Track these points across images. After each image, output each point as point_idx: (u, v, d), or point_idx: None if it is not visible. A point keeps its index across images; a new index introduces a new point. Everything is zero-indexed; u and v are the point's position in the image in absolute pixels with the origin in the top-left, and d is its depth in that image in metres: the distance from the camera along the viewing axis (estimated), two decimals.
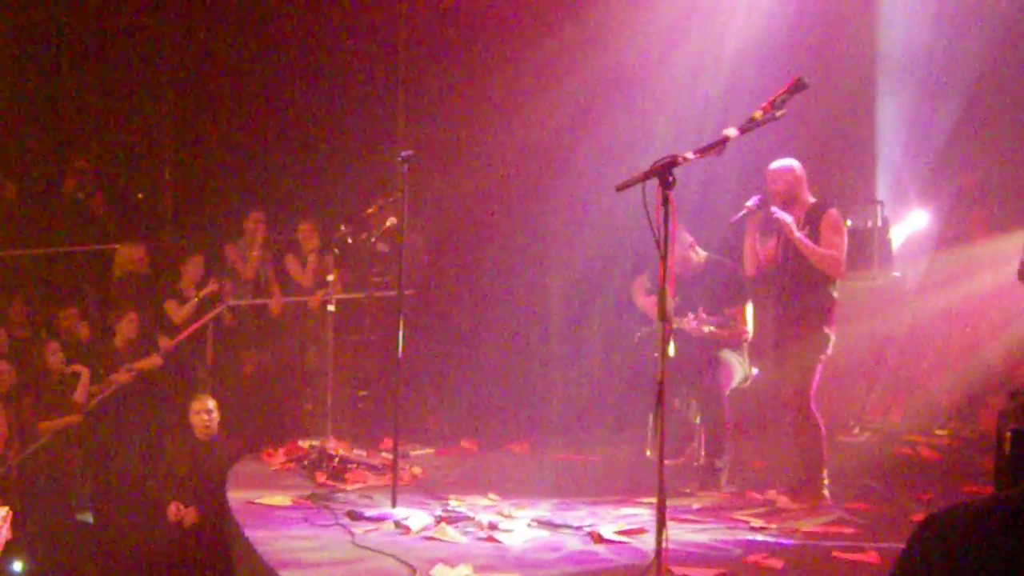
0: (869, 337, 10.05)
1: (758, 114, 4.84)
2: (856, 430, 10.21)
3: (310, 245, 10.92)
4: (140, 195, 13.52)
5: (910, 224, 11.79)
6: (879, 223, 11.15)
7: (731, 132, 4.80)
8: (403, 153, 7.22)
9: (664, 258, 4.52)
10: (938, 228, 11.40)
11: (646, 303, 8.47)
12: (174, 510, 8.78)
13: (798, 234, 7.31)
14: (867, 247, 10.86)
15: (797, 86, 4.90)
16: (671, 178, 4.56)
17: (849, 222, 10.93)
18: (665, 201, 4.55)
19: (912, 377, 10.56)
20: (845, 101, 11.39)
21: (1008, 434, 1.65)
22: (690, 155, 4.67)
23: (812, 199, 7.53)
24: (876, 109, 11.69)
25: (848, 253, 7.78)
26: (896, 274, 11.13)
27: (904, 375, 10.61)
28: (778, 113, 4.83)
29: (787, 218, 7.32)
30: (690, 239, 8.31)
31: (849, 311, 8.24)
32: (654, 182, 4.62)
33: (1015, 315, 9.64)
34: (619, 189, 4.71)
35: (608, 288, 10.38)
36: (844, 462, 8.28)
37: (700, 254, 8.37)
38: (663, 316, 4.64)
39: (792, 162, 7.52)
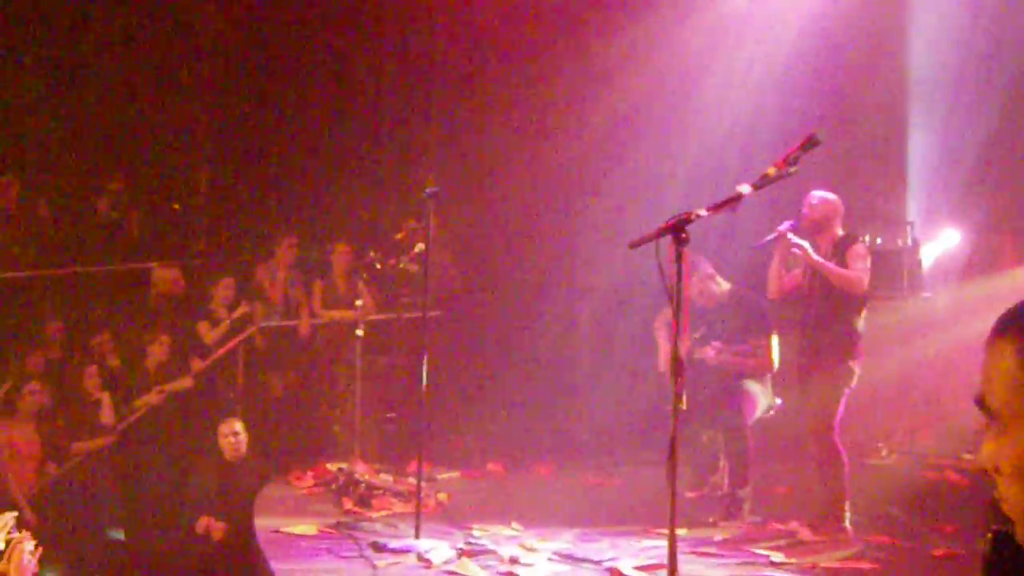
0: (899, 359, 10.02)
1: (771, 171, 4.87)
2: (884, 452, 10.20)
3: (343, 267, 10.97)
4: (176, 206, 13.61)
5: (941, 243, 11.74)
6: (909, 243, 11.12)
7: (744, 189, 4.84)
8: (428, 190, 7.28)
9: (676, 315, 4.57)
10: (968, 251, 11.35)
11: (667, 346, 8.38)
12: (203, 524, 8.96)
13: (816, 257, 7.33)
14: (897, 268, 10.84)
15: (811, 142, 4.93)
16: (684, 235, 4.59)
17: (879, 240, 10.96)
18: (678, 257, 4.58)
19: (941, 400, 10.52)
20: (875, 122, 11.41)
21: (989, 534, 1.66)
22: (703, 212, 4.71)
23: (841, 232, 7.56)
24: (906, 130, 11.66)
25: (878, 274, 7.81)
26: (926, 295, 11.11)
27: (933, 398, 10.58)
28: (791, 170, 4.87)
29: (804, 243, 7.34)
30: (710, 270, 8.34)
31: (879, 332, 8.25)
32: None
33: None
34: (632, 247, 4.77)
35: (635, 310, 10.40)
36: (870, 485, 8.32)
37: (723, 285, 8.38)
38: (675, 372, 4.67)
39: (831, 194, 7.57)
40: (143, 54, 12.73)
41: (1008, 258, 10.66)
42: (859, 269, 7.38)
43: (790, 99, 10.79)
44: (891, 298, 10.39)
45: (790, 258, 7.63)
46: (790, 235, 7.42)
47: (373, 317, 10.32)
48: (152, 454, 10.12)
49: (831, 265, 7.37)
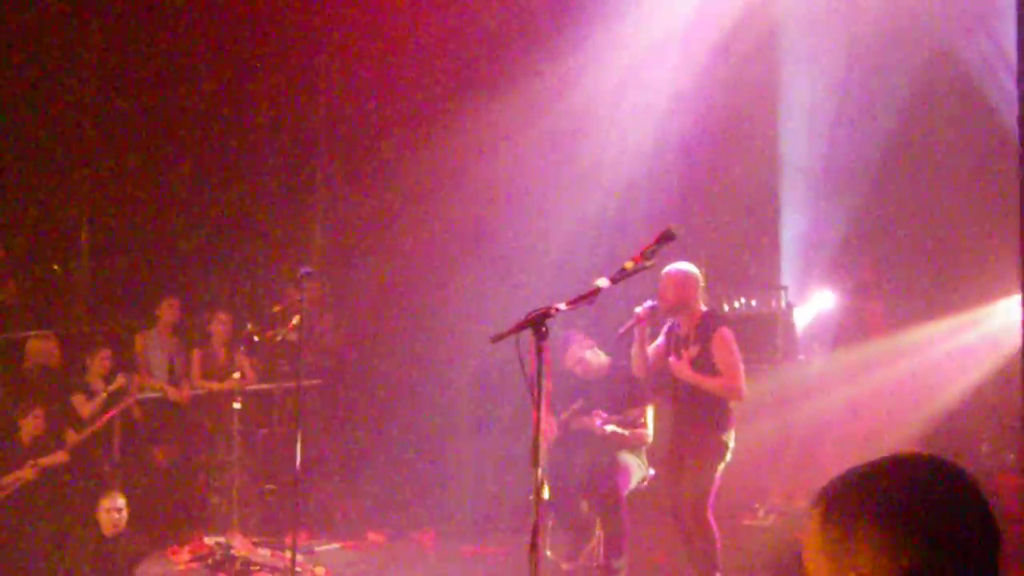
0: (774, 421, 10.18)
1: (629, 264, 4.97)
2: (760, 512, 10.36)
3: (223, 337, 10.91)
4: (56, 267, 13.35)
5: (815, 306, 12.00)
6: (783, 306, 11.32)
7: (602, 282, 4.93)
8: (303, 270, 7.36)
9: (538, 406, 4.65)
10: (840, 316, 11.64)
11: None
12: None
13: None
14: (771, 331, 11.03)
15: (666, 237, 5.04)
16: (544, 329, 4.68)
17: (753, 303, 11.19)
18: (539, 351, 4.67)
19: (816, 462, 10.72)
20: (748, 188, 11.66)
21: None
22: (562, 306, 4.79)
23: (704, 308, 7.54)
24: (780, 195, 11.94)
25: (752, 338, 7.84)
26: (800, 358, 11.35)
27: (808, 459, 10.77)
28: (647, 263, 4.97)
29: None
30: (588, 342, 8.42)
31: (754, 395, 8.35)
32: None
33: (912, 407, 9.94)
34: (494, 341, 4.85)
35: (515, 377, 10.44)
36: (747, 547, 8.44)
37: (601, 356, 8.45)
38: (536, 462, 4.74)
39: (687, 268, 7.46)
40: (19, 113, 12.51)
41: (878, 324, 10.96)
42: (731, 367, 7.33)
43: (663, 168, 11.03)
44: (766, 361, 10.57)
45: (652, 331, 7.67)
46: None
47: (252, 387, 10.28)
48: (26, 530, 9.89)
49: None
